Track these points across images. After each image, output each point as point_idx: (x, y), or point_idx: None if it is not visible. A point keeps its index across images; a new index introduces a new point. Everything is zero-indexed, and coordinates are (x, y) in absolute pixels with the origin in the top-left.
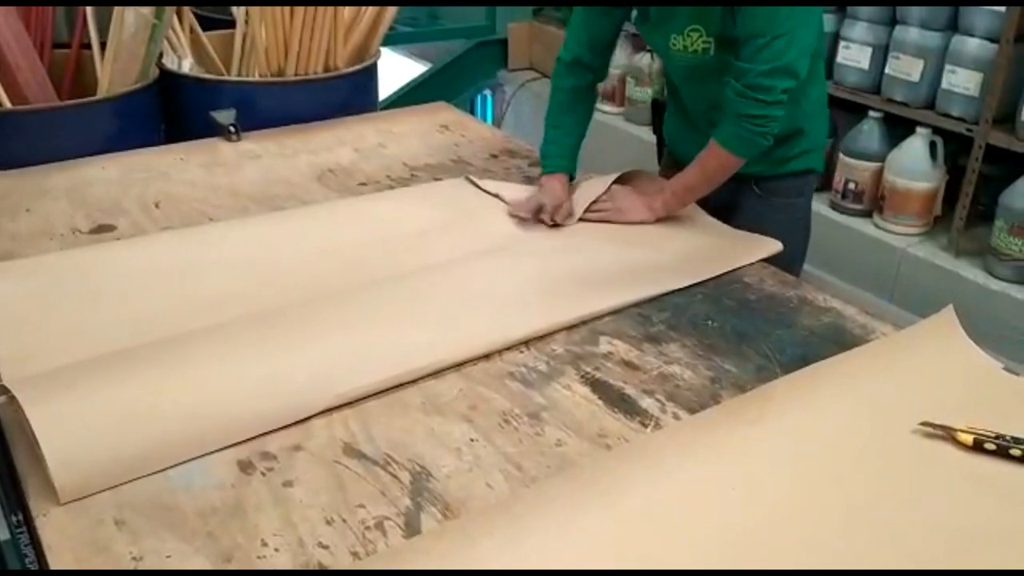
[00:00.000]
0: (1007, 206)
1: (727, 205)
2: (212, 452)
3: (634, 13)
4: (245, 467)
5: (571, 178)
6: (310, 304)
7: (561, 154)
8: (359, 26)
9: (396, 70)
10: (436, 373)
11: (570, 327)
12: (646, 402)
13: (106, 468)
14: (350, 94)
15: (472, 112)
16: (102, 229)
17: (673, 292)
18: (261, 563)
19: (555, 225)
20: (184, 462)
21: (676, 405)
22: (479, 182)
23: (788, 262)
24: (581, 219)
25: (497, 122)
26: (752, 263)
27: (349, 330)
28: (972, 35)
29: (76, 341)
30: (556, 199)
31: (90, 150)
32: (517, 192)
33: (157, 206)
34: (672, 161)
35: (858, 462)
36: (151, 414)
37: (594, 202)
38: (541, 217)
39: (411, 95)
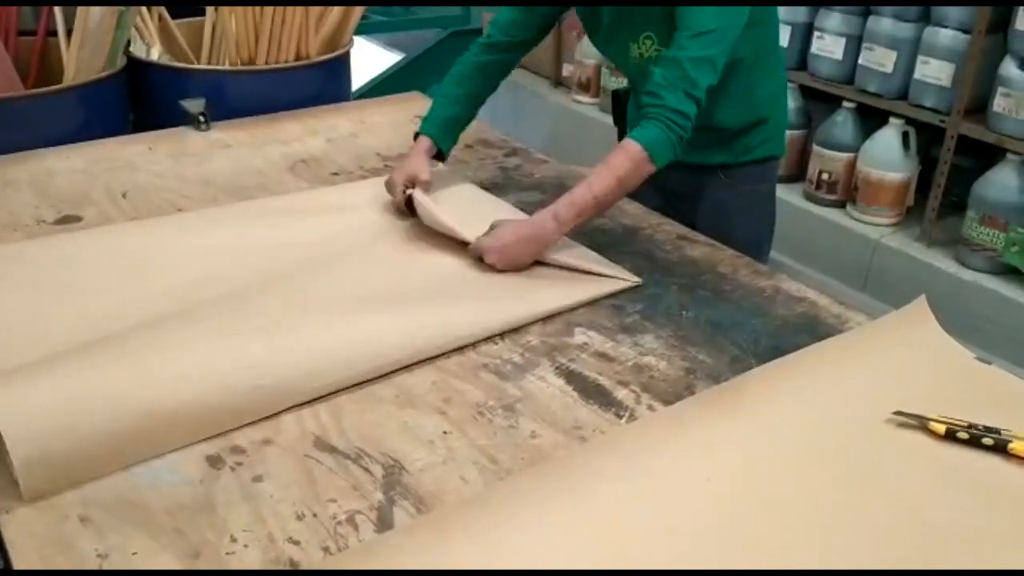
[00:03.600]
0: (979, 196)
1: (692, 193)
2: (180, 447)
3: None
4: (214, 462)
5: (440, 152)
6: (277, 296)
7: (433, 120)
8: (331, 14)
9: (369, 60)
10: (409, 366)
11: (545, 319)
12: (621, 393)
13: (72, 465)
14: (322, 83)
15: None
16: (68, 220)
17: (649, 283)
18: (230, 559)
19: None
20: (152, 458)
21: (651, 396)
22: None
23: (755, 248)
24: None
25: None
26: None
27: (318, 323)
28: (945, 26)
29: (38, 335)
30: (408, 172)
31: (56, 140)
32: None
33: (125, 196)
34: None
35: (831, 452)
36: (118, 410)
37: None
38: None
39: (385, 85)
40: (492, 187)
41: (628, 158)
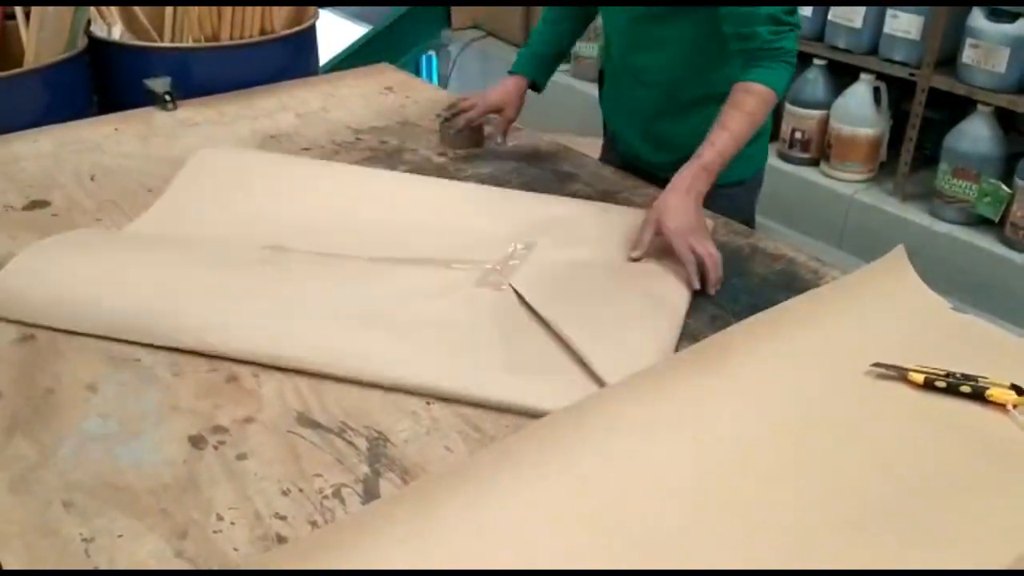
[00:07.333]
0: (950, 149)
1: None
2: (162, 428)
3: None
4: (196, 442)
5: (534, 86)
6: (330, 265)
7: (531, 59)
8: None
9: (336, 33)
10: None
11: None
12: None
13: (46, 300)
14: (289, 58)
15: (417, 74)
16: (36, 205)
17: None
18: (217, 537)
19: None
20: (130, 444)
21: None
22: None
23: None
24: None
25: (443, 83)
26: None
27: (334, 301)
28: None
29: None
30: (492, 102)
31: (19, 124)
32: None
33: (93, 179)
34: (609, 133)
35: (813, 405)
36: (114, 281)
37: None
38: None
39: (353, 58)
40: (468, 156)
41: (759, 99)
